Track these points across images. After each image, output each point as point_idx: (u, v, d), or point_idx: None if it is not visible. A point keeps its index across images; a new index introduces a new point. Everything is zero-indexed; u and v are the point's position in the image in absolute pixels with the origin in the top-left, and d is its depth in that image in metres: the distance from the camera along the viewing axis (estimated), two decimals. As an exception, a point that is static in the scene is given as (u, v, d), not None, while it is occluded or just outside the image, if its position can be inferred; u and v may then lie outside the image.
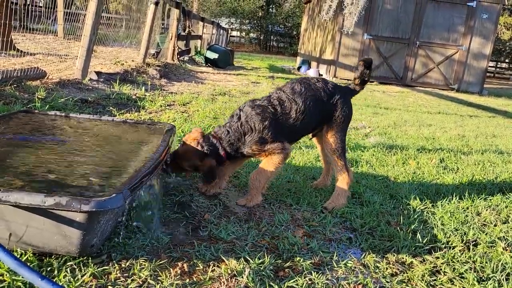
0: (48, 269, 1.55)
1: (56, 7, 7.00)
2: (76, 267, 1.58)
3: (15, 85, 4.30)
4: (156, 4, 8.09)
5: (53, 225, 1.48)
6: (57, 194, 1.47)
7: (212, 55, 12.38)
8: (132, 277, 1.58)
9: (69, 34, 7.28)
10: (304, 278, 1.72)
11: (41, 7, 9.61)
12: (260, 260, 1.80)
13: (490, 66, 24.58)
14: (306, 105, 2.37)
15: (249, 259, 1.80)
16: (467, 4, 13.42)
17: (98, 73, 5.87)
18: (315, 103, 2.41)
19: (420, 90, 12.80)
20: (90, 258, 1.61)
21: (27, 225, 1.49)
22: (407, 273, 1.86)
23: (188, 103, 5.54)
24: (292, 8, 35.70)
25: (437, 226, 2.36)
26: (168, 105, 5.19)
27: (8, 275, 1.45)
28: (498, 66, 32.02)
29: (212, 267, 1.72)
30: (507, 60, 32.47)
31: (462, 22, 13.59)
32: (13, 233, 1.51)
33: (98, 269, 1.58)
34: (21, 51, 6.41)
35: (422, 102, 9.33)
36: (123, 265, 1.65)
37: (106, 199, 1.46)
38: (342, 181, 2.50)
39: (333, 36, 13.87)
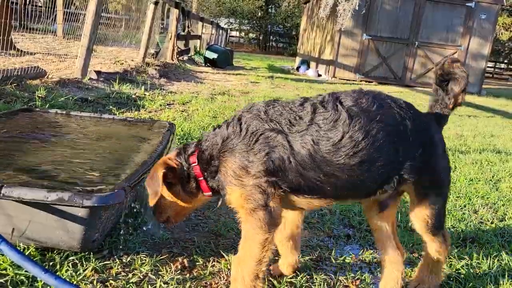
0: (51, 263, 1.57)
1: (56, 7, 7.01)
2: (78, 261, 1.59)
3: (15, 84, 4.31)
4: (156, 4, 8.11)
5: (55, 220, 1.50)
6: (60, 189, 1.49)
7: (212, 55, 12.39)
8: (133, 272, 1.61)
9: (68, 34, 7.30)
10: (303, 273, 1.74)
11: (40, 6, 9.63)
12: (260, 256, 1.81)
13: (488, 67, 24.61)
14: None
15: (248, 254, 1.82)
16: (466, 4, 13.47)
17: (98, 73, 5.89)
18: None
19: (419, 90, 12.83)
20: (91, 253, 1.63)
21: (30, 220, 1.51)
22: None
23: (187, 102, 5.56)
24: (291, 8, 35.73)
25: (435, 223, 2.38)
26: (167, 105, 5.21)
27: (11, 269, 1.47)
28: (496, 66, 32.09)
29: (212, 263, 1.74)
30: (505, 61, 32.54)
31: (461, 23, 13.63)
32: (16, 228, 1.53)
33: (100, 263, 1.60)
34: (21, 51, 6.42)
35: (421, 102, 9.35)
36: (124, 260, 1.67)
37: (107, 195, 1.48)
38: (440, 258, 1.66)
39: (332, 36, 13.90)
